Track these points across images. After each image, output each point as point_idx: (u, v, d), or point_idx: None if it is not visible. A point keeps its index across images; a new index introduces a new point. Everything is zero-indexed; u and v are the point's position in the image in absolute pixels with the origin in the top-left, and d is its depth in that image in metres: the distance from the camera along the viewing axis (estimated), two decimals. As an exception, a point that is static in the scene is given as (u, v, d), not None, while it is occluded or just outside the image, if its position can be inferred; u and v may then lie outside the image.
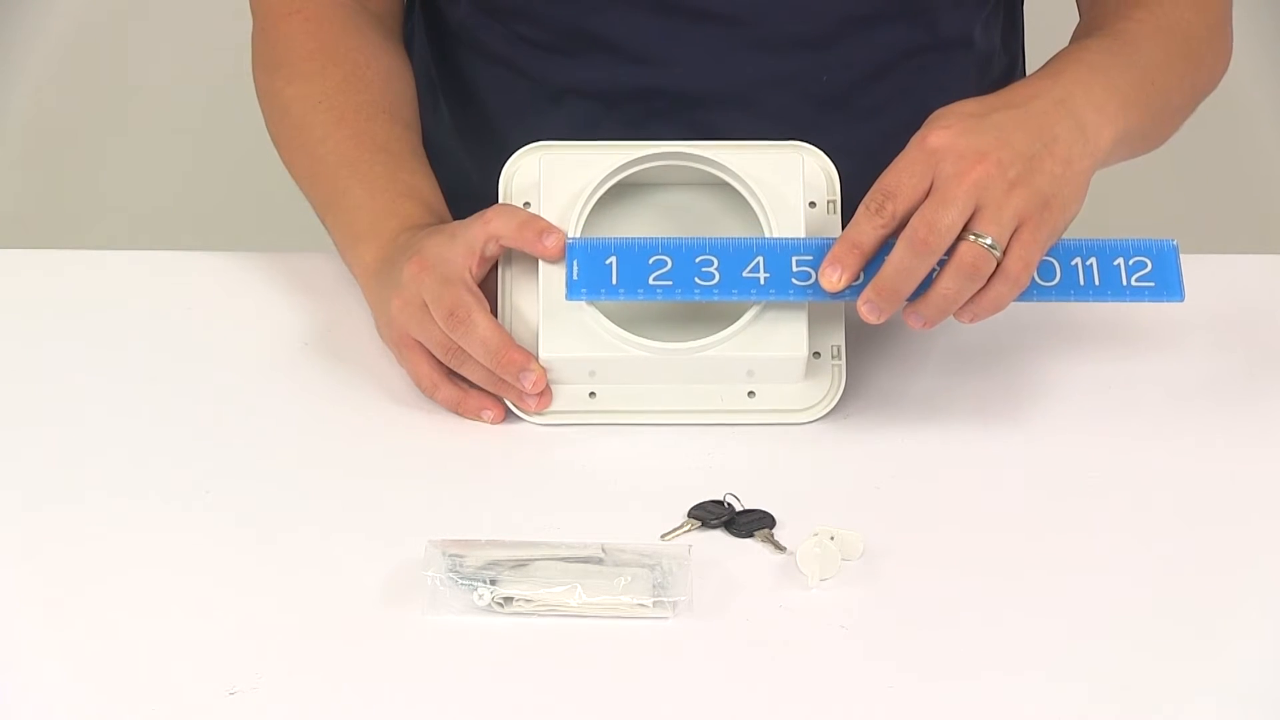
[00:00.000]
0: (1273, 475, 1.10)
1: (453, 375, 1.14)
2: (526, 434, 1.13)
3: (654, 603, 0.97)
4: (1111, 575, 1.02)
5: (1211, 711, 0.93)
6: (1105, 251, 1.13)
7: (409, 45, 1.39)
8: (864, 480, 1.09)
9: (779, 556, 1.02)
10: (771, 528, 1.04)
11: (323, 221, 1.24)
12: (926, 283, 1.07)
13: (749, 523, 1.04)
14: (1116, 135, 1.13)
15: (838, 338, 1.14)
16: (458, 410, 1.13)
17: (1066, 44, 1.23)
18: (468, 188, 1.29)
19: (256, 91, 1.31)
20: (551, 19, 1.29)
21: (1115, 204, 2.57)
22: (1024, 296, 1.09)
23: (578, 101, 1.32)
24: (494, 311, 1.12)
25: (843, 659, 0.95)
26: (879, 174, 1.08)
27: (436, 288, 1.11)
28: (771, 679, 0.94)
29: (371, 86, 1.27)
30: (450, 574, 0.98)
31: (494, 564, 0.99)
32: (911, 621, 0.98)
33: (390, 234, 1.18)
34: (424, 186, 1.22)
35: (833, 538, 1.00)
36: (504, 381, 1.12)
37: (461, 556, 0.99)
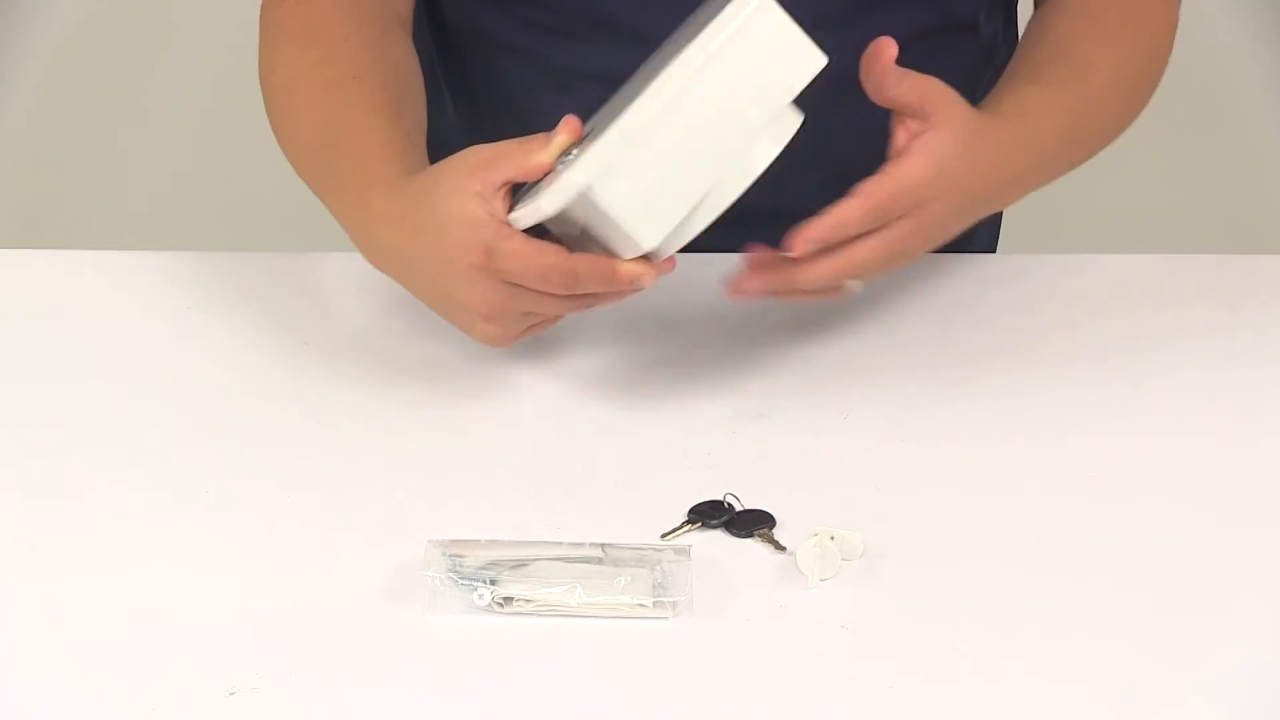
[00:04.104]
0: (1273, 475, 1.10)
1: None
2: (526, 434, 1.13)
3: (654, 603, 0.97)
4: (1112, 575, 1.02)
5: (1211, 711, 0.93)
6: None
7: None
8: (864, 480, 1.09)
9: (779, 556, 1.02)
10: (771, 528, 1.04)
11: (326, 205, 1.21)
12: None
13: (749, 523, 1.04)
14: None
15: None
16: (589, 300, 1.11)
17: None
18: None
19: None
20: (561, 4, 1.29)
21: (1117, 204, 2.57)
22: None
23: (588, 87, 1.31)
24: None
25: (843, 659, 0.95)
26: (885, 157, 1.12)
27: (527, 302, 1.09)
28: (771, 679, 0.94)
29: (346, 59, 1.23)
30: (450, 574, 0.98)
31: (494, 564, 0.99)
32: (911, 621, 0.98)
33: (365, 224, 1.15)
34: (386, 161, 1.17)
35: (833, 538, 1.00)
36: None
37: (461, 556, 0.99)
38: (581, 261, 1.07)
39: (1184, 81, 2.50)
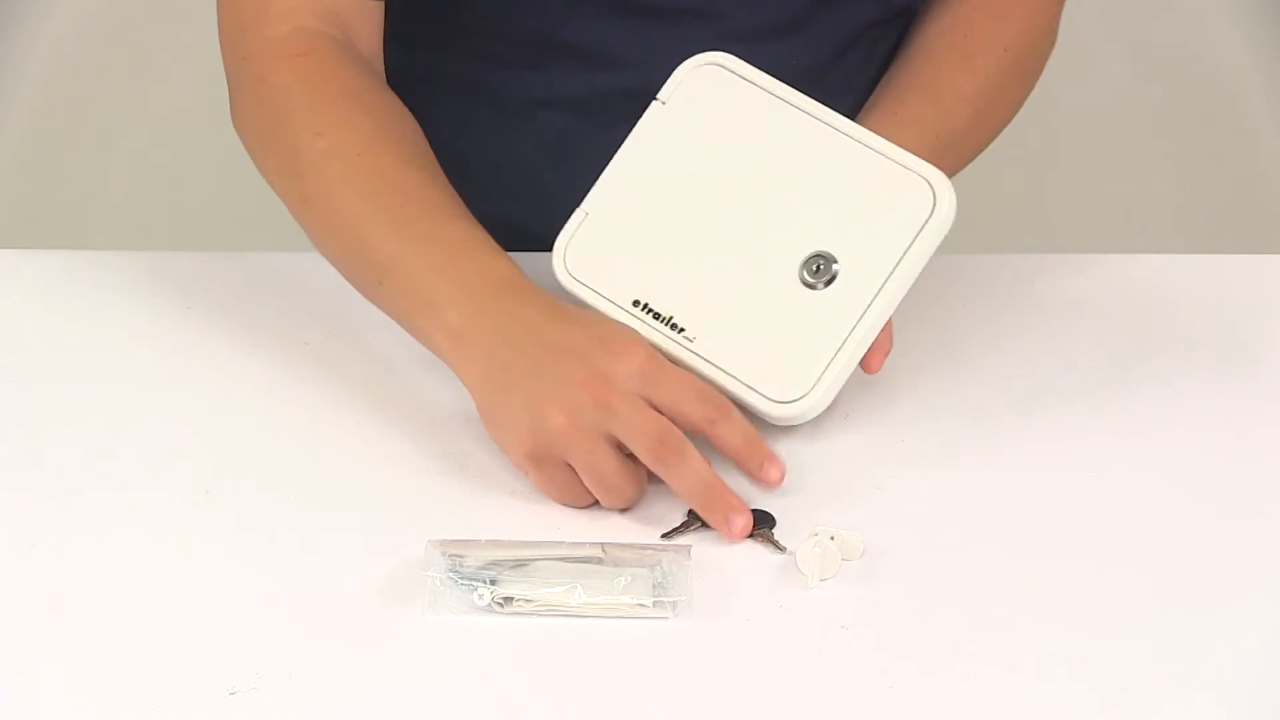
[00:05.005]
0: (1274, 474, 1.10)
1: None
2: (526, 434, 1.13)
3: (654, 603, 0.97)
4: (1112, 575, 1.02)
5: (1212, 709, 0.93)
6: None
7: None
8: (864, 480, 1.09)
9: (779, 556, 1.02)
10: (771, 527, 1.04)
11: (370, 291, 1.14)
12: None
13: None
14: None
15: None
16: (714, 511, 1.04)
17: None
18: None
19: (254, 146, 1.20)
20: (519, 33, 1.29)
21: (1117, 204, 2.57)
22: None
23: (549, 115, 1.31)
24: None
25: (843, 659, 0.95)
26: None
27: (633, 414, 1.02)
28: (772, 679, 0.94)
29: (404, 138, 1.17)
30: (450, 574, 0.98)
31: (494, 564, 0.99)
32: (912, 622, 0.98)
33: (483, 292, 1.08)
34: (490, 241, 1.11)
35: (833, 538, 1.00)
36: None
37: (461, 556, 0.99)
38: (738, 414, 1.05)
39: (1184, 81, 2.50)
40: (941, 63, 1.28)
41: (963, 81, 1.27)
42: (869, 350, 1.09)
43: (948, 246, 1.11)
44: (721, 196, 1.11)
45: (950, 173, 1.27)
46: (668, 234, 1.11)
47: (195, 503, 1.06)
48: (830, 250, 1.08)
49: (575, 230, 1.12)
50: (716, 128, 1.12)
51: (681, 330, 1.09)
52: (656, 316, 1.09)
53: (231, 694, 0.92)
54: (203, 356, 1.20)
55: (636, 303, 1.10)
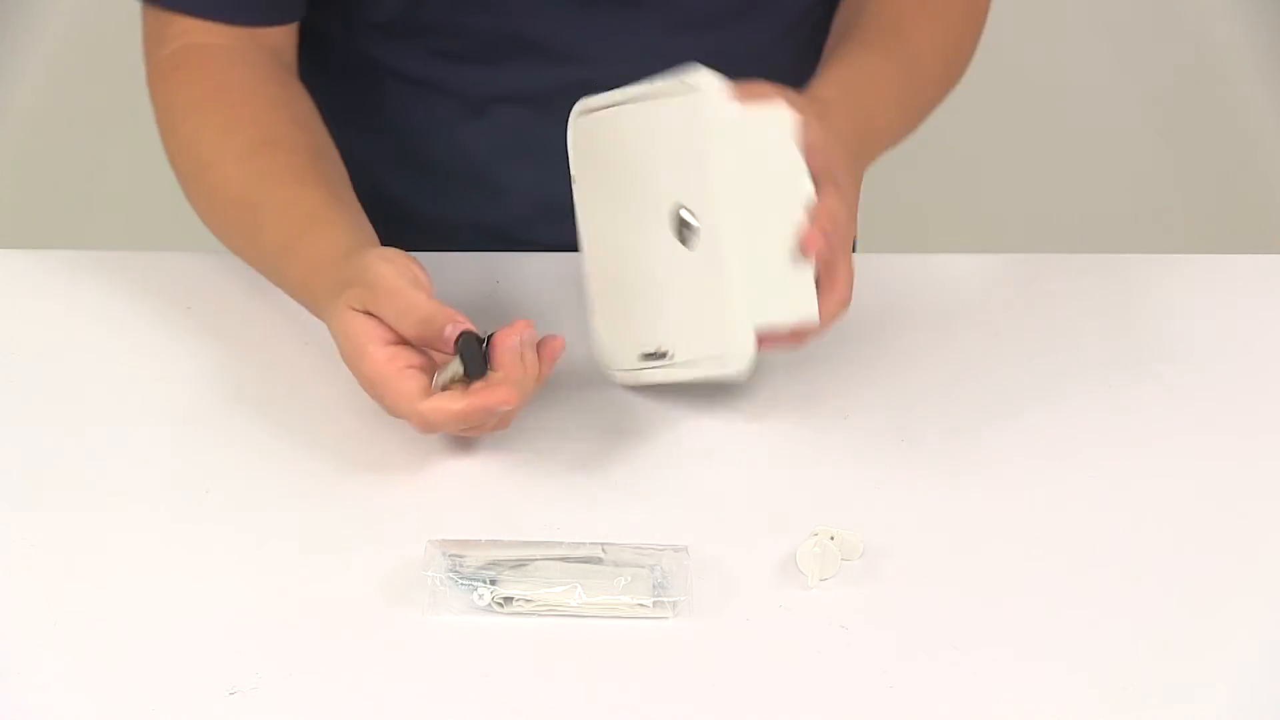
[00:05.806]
0: (1273, 473, 1.10)
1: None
2: (526, 434, 1.13)
3: (654, 603, 0.97)
4: (1112, 574, 1.02)
5: (1212, 708, 0.93)
6: None
7: None
8: (864, 480, 1.09)
9: (779, 556, 1.02)
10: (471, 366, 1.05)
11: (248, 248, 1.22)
12: None
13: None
14: None
15: None
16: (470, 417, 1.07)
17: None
18: (392, 209, 1.29)
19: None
20: (474, 29, 1.29)
21: (1117, 204, 2.57)
22: None
23: (504, 109, 1.32)
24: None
25: (843, 659, 0.95)
26: None
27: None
28: (771, 679, 0.94)
29: (256, 121, 1.22)
30: (450, 574, 0.98)
31: (494, 564, 0.99)
32: (911, 622, 0.98)
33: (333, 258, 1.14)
34: (340, 209, 1.18)
35: (833, 538, 1.00)
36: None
37: (461, 556, 0.99)
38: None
39: (1184, 81, 2.50)
40: (902, 16, 1.29)
41: (922, 40, 1.29)
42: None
43: (949, 247, 1.11)
44: (636, 221, 1.12)
45: (918, 119, 1.28)
46: (625, 281, 1.13)
47: (195, 503, 1.06)
48: (684, 204, 1.09)
49: (600, 334, 1.15)
50: (611, 166, 1.14)
51: (665, 354, 1.11)
52: (652, 356, 1.12)
53: (231, 694, 0.92)
54: (203, 356, 1.20)
55: (641, 355, 1.13)
